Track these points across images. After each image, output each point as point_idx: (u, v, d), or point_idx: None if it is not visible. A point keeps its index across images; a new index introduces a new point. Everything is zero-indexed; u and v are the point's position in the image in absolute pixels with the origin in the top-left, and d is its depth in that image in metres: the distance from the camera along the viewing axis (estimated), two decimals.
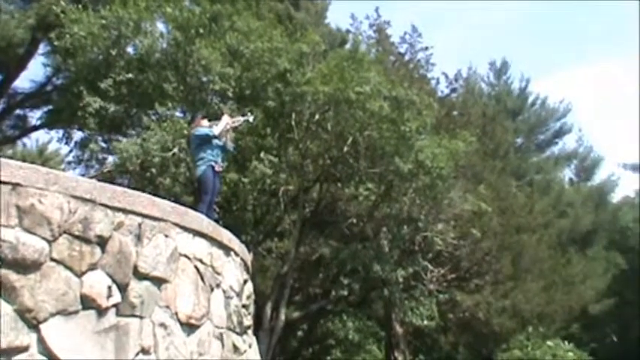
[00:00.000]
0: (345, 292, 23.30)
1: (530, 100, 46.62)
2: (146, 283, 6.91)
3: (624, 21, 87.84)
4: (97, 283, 6.39)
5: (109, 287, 6.47)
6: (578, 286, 31.84)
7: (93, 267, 6.38)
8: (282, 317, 21.10)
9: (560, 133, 47.37)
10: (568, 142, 48.53)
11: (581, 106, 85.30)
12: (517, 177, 35.65)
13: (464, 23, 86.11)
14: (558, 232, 35.87)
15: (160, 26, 19.14)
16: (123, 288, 6.62)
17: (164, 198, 8.41)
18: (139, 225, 6.97)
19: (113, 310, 6.52)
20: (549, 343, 29.63)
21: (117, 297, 6.55)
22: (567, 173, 49.13)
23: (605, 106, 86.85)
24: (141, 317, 6.75)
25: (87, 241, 6.36)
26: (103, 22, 17.86)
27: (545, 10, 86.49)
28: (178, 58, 18.44)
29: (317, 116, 19.73)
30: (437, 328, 26.44)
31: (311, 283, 25.94)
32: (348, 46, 25.09)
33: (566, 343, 30.40)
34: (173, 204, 7.87)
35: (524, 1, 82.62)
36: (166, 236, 7.35)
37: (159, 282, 7.08)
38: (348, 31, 27.08)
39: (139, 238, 6.92)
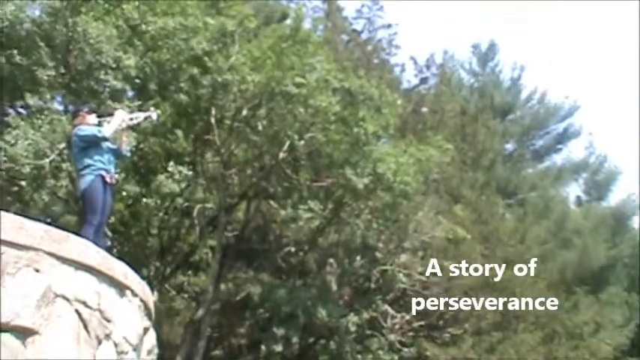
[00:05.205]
0: (280, 346, 23.25)
1: (525, 94, 46.76)
2: (5, 335, 6.81)
3: None
4: None
5: None
6: (589, 339, 32.12)
7: None
8: None
9: (564, 138, 47.46)
10: (575, 150, 48.77)
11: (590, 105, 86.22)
12: (506, 194, 36.06)
13: None
14: (561, 268, 36.26)
15: None
16: None
17: (37, 219, 8.35)
18: None
19: None
20: None
21: None
22: (573, 190, 49.56)
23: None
24: None
25: None
26: None
27: None
28: (57, 33, 17.93)
29: (244, 113, 19.79)
30: None
31: (234, 332, 25.91)
32: (289, 21, 25.11)
33: None
34: (48, 227, 7.78)
35: None
36: (37, 271, 7.25)
37: (24, 334, 6.97)
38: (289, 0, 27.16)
39: None
